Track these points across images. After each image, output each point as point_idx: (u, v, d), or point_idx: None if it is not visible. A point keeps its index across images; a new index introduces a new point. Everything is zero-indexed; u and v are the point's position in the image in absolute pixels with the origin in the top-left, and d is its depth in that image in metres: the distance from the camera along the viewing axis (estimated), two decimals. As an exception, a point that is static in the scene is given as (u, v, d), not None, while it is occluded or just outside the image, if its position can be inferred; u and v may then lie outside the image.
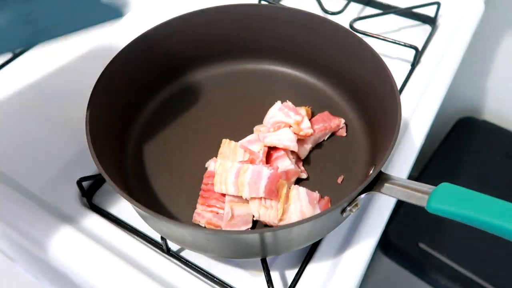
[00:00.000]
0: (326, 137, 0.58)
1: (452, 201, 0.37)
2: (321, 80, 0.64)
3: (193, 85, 0.65)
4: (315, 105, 0.61)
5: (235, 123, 0.60)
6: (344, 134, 0.58)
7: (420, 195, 0.39)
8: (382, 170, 0.44)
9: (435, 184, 0.38)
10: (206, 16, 0.61)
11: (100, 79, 0.52)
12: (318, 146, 0.57)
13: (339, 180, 0.54)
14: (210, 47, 0.65)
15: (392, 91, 0.50)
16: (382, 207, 0.54)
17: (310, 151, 0.57)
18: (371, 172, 0.45)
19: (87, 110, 0.48)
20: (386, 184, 0.42)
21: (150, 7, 0.81)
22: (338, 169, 0.55)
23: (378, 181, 0.43)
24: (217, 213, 0.49)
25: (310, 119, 0.57)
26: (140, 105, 0.61)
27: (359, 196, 0.43)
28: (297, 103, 0.59)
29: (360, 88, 0.59)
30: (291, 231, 0.41)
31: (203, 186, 0.51)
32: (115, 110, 0.56)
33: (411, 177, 0.61)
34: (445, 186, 0.38)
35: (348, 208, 0.43)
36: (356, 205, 0.43)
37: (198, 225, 0.49)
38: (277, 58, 0.66)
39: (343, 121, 0.58)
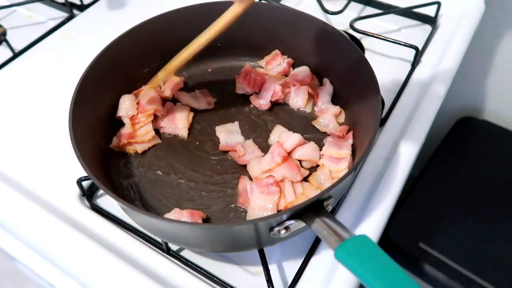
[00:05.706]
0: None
1: (357, 256, 0.35)
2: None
3: (188, 79, 0.65)
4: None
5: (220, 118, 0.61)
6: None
7: (334, 240, 0.37)
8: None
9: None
10: (201, 10, 0.61)
11: (86, 74, 0.53)
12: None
13: None
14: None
15: (375, 108, 0.49)
16: (381, 207, 0.54)
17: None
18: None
19: (71, 105, 0.49)
20: (316, 219, 0.39)
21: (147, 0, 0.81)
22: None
23: (313, 213, 0.40)
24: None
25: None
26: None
27: (288, 221, 0.40)
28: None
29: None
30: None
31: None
32: (100, 106, 0.56)
33: (411, 177, 0.61)
34: (360, 239, 0.36)
35: (277, 228, 0.41)
36: (286, 228, 0.40)
37: (173, 219, 0.48)
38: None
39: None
